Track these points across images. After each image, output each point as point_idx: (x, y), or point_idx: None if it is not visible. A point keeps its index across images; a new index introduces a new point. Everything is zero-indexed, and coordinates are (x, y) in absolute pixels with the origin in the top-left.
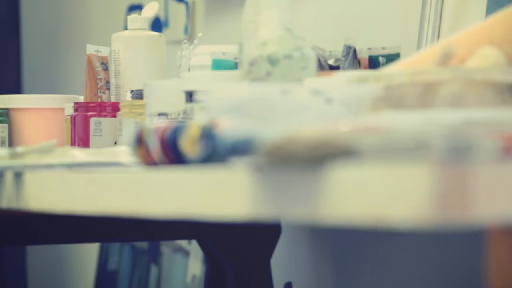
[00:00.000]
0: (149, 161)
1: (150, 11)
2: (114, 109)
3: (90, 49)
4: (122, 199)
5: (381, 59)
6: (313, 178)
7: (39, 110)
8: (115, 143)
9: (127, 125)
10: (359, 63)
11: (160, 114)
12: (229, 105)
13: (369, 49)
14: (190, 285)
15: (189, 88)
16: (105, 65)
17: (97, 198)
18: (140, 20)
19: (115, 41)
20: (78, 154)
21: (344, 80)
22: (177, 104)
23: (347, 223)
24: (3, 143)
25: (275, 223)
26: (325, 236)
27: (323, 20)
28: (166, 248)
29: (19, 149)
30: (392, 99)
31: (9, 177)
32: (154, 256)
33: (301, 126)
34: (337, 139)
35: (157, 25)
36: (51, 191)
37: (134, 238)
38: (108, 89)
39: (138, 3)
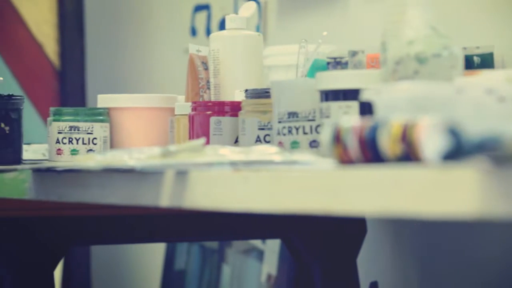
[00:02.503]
0: (345, 160)
1: (248, 10)
2: (233, 108)
3: (192, 48)
4: (316, 197)
5: (475, 58)
6: None
7: (138, 110)
8: (235, 142)
9: (251, 124)
10: None
11: (290, 113)
12: (404, 103)
13: (464, 48)
14: (265, 284)
15: (326, 87)
16: (205, 65)
17: (284, 196)
18: (238, 20)
19: (214, 40)
20: (228, 153)
21: (503, 79)
22: (308, 103)
23: None
24: (105, 142)
25: (360, 222)
26: (409, 234)
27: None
28: (237, 247)
29: (171, 148)
30: None
31: (170, 176)
32: (225, 255)
33: None
34: None
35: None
36: (223, 189)
37: (216, 237)
38: (209, 88)
39: (205, 3)
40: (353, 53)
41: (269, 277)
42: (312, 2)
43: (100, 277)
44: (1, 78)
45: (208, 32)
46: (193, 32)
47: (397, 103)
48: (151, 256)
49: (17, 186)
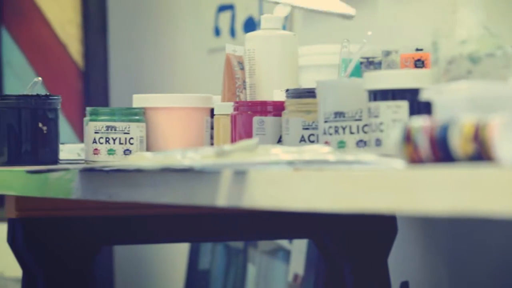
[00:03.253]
0: (415, 159)
1: (283, 10)
2: (275, 107)
3: (228, 48)
4: (385, 196)
5: None
6: None
7: (174, 109)
8: (278, 141)
9: (295, 124)
10: None
11: (336, 113)
12: (464, 103)
13: None
14: (293, 284)
15: (374, 87)
16: (241, 65)
17: (350, 196)
18: (274, 20)
19: (249, 40)
20: (281, 153)
21: None
22: (355, 102)
23: None
24: (141, 142)
25: (391, 222)
26: (440, 233)
27: None
28: (263, 247)
29: (226, 147)
30: None
31: (227, 175)
32: (251, 255)
33: None
34: None
35: (251, 25)
36: (284, 189)
37: (246, 237)
38: (245, 88)
39: (229, 3)
40: (387, 53)
41: (295, 277)
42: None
43: (123, 277)
44: (40, 78)
45: (232, 32)
46: (217, 32)
47: (457, 103)
48: (175, 255)
49: (62, 186)
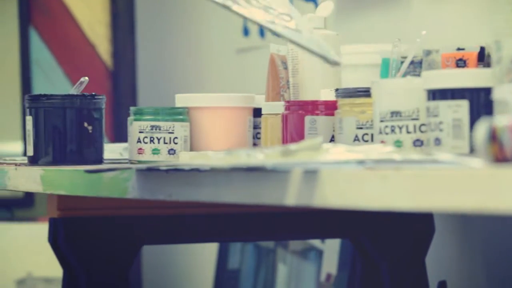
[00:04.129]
0: (500, 158)
1: (325, 10)
2: (327, 107)
3: (273, 48)
4: (469, 195)
5: None
6: None
7: (217, 109)
8: (330, 141)
9: (348, 123)
10: None
11: (392, 112)
12: None
13: None
14: (325, 284)
15: (434, 86)
16: (285, 64)
17: (431, 195)
18: (316, 19)
19: None
20: (345, 152)
21: None
22: (412, 102)
23: None
24: (185, 142)
25: (428, 221)
26: (477, 232)
27: None
28: (294, 247)
29: (292, 147)
30: None
31: (297, 174)
32: (282, 255)
33: None
34: None
35: None
36: (358, 188)
37: (284, 236)
38: (289, 87)
39: None
40: (427, 52)
41: (328, 276)
42: (372, 1)
43: (151, 277)
44: (86, 78)
45: (262, 32)
46: (246, 32)
47: None
48: (204, 255)
49: (118, 185)
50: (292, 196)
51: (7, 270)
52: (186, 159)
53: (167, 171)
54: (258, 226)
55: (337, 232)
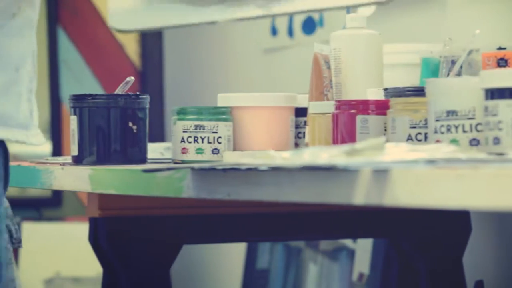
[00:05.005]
0: None
1: (368, 9)
2: (378, 106)
3: (316, 47)
4: None
5: None
6: None
7: (260, 109)
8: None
9: (401, 123)
10: None
11: (448, 112)
12: None
13: None
14: (357, 283)
15: (492, 85)
16: (328, 64)
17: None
18: (358, 19)
19: (335, 40)
20: (408, 151)
21: None
22: (468, 101)
23: None
24: (229, 141)
25: (465, 220)
26: None
27: None
28: (324, 247)
29: (357, 146)
30: None
31: (366, 173)
32: (312, 255)
33: None
34: None
35: (310, 24)
36: (432, 187)
37: (323, 236)
38: (332, 87)
39: None
40: (468, 52)
41: (360, 276)
42: (406, 1)
43: (179, 276)
44: (132, 78)
45: (291, 32)
46: (274, 31)
47: None
48: (232, 254)
49: (172, 185)
50: (360, 195)
51: (35, 270)
52: (249, 158)
53: (225, 170)
54: (297, 225)
55: (374, 231)
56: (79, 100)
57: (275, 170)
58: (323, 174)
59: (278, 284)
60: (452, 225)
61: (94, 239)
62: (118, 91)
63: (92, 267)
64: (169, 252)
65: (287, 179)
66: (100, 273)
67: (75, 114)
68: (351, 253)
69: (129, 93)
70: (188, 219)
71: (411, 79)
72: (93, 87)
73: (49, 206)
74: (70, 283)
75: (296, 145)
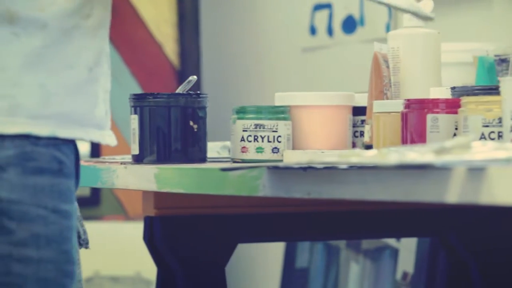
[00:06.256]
0: None
1: (426, 8)
2: (448, 105)
3: (376, 46)
4: None
5: None
6: None
7: (319, 108)
8: None
9: (474, 122)
10: None
11: None
12: None
13: None
14: (402, 282)
15: None
16: (387, 63)
17: None
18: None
19: (393, 38)
20: (493, 149)
21: None
22: None
23: None
24: (288, 140)
25: None
26: None
27: None
28: (367, 246)
29: (447, 144)
30: None
31: (460, 172)
32: (353, 254)
33: None
34: None
35: (350, 23)
36: None
37: (369, 235)
38: (391, 86)
39: (326, 2)
40: None
41: (405, 275)
42: (456, 1)
43: None
44: (195, 77)
45: (330, 31)
46: (313, 30)
47: None
48: (270, 253)
49: (246, 184)
50: (454, 193)
51: None
52: (333, 157)
53: (304, 169)
54: (351, 224)
55: (424, 230)
56: (139, 99)
57: (361, 168)
58: (413, 172)
59: (318, 283)
60: (502, 222)
61: (150, 238)
62: (180, 90)
63: (130, 266)
64: (224, 251)
65: (373, 177)
66: (138, 272)
67: (135, 113)
68: (395, 252)
69: (190, 92)
70: (242, 218)
71: (462, 78)
72: (131, 86)
73: (87, 205)
74: (109, 282)
75: (353, 144)
